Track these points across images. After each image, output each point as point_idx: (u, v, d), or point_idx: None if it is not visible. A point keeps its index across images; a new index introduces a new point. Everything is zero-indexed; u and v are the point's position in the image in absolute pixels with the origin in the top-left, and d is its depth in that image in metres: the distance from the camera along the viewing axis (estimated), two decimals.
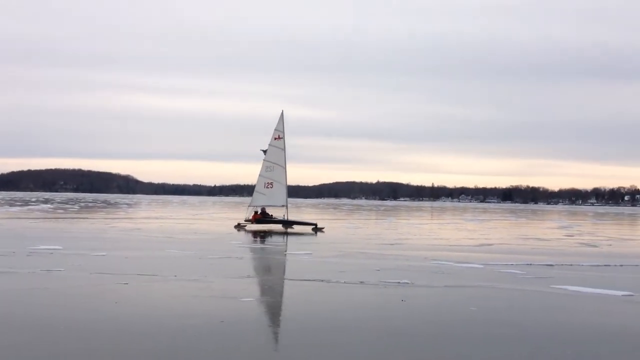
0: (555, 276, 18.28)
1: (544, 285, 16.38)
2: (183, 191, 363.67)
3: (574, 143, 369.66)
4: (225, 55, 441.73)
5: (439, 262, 21.58)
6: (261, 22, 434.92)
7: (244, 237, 33.67)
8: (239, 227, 42.38)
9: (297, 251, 25.17)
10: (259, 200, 44.68)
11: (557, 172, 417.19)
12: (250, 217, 43.34)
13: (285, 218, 43.17)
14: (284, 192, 44.14)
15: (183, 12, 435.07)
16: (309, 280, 16.42)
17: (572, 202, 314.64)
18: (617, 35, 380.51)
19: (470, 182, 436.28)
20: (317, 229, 41.06)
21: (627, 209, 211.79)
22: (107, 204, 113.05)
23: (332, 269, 19.03)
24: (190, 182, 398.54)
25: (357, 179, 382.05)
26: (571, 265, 21.82)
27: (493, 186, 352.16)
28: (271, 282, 17.38)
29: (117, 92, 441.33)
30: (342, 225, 51.28)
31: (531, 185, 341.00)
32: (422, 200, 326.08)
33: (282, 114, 45.07)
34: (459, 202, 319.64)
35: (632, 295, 14.94)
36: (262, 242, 31.63)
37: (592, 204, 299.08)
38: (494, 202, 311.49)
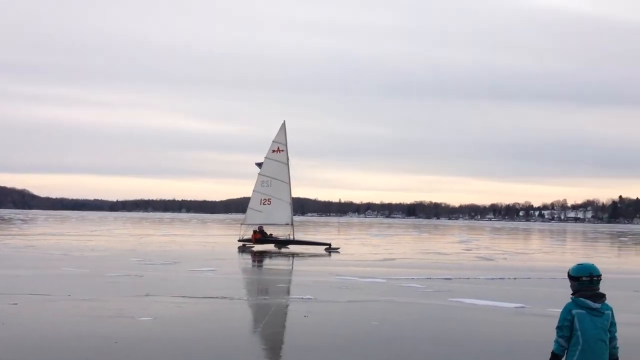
0: (453, 289, 18.84)
1: (442, 298, 16.84)
2: (83, 206, 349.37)
3: (474, 161, 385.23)
4: (120, 66, 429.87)
5: (343, 277, 21.76)
6: (159, 33, 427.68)
7: (146, 255, 32.66)
8: (243, 248, 37.88)
9: (201, 267, 24.67)
10: (255, 217, 40.28)
11: (458, 189, 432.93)
12: (251, 237, 39.00)
13: (291, 238, 39.49)
14: (288, 209, 40.27)
15: (78, 20, 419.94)
16: (210, 297, 16.11)
17: (472, 217, 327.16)
18: (507, 57, 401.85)
19: (377, 198, 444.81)
20: (331, 249, 37.37)
21: (522, 224, 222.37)
22: (0, 220, 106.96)
23: (236, 285, 18.79)
24: (91, 197, 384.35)
25: None
26: (468, 278, 22.57)
27: (398, 202, 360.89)
28: (171, 300, 16.89)
29: (10, 102, 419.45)
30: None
31: (434, 201, 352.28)
32: (329, 215, 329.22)
33: (283, 124, 41.11)
34: (365, 217, 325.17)
35: (523, 307, 15.59)
36: (166, 258, 30.82)
37: (490, 219, 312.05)
38: (399, 217, 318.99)
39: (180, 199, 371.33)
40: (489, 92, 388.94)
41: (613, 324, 5.82)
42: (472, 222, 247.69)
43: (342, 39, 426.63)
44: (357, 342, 11.08)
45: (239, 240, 39.43)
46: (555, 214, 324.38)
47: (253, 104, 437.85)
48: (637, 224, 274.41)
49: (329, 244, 38.65)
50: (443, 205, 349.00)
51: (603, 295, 5.81)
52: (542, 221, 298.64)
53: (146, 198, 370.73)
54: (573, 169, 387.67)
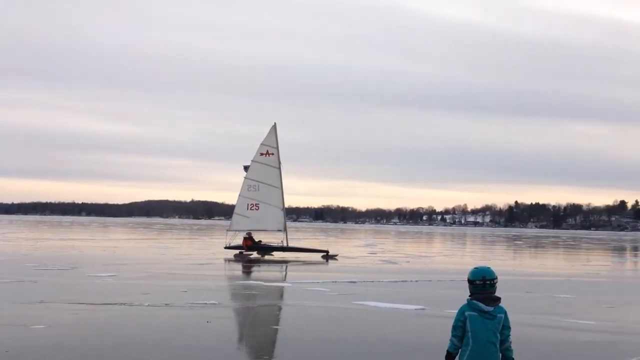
0: (358, 292, 19.11)
1: (347, 301, 17.04)
2: None
3: (380, 166, 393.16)
4: (19, 64, 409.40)
5: (249, 281, 21.61)
6: (67, 33, 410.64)
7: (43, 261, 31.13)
8: (240, 256, 36.04)
9: (100, 273, 23.78)
10: (241, 223, 38.40)
11: (365, 194, 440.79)
12: (241, 243, 37.22)
13: (284, 244, 37.89)
14: (280, 215, 38.76)
15: None
16: (110, 304, 15.55)
17: (378, 222, 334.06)
18: (416, 65, 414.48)
19: (285, 202, 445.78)
20: (328, 257, 36.37)
21: (425, 228, 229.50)
22: None
23: (136, 291, 18.24)
24: None
25: (171, 198, 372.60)
26: (372, 281, 22.97)
27: (306, 206, 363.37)
28: (67, 307, 16.17)
29: None
30: (151, 246, 49.60)
31: (341, 205, 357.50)
32: None
33: (273, 127, 39.47)
34: None
35: (424, 309, 16.03)
36: (63, 263, 29.48)
37: (395, 223, 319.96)
38: (306, 221, 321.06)
39: (80, 202, 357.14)
40: (396, 98, 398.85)
41: (506, 327, 6.04)
42: (378, 226, 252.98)
43: (251, 43, 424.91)
44: (260, 346, 11.01)
45: (226, 248, 37.42)
46: (456, 218, 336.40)
47: (156, 105, 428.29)
48: (531, 227, 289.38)
49: (327, 251, 37.63)
50: (350, 209, 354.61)
51: (497, 299, 6.04)
52: (444, 225, 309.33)
53: (44, 201, 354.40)
54: (474, 175, 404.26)
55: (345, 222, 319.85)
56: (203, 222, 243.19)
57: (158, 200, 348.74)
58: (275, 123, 39.75)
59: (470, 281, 6.07)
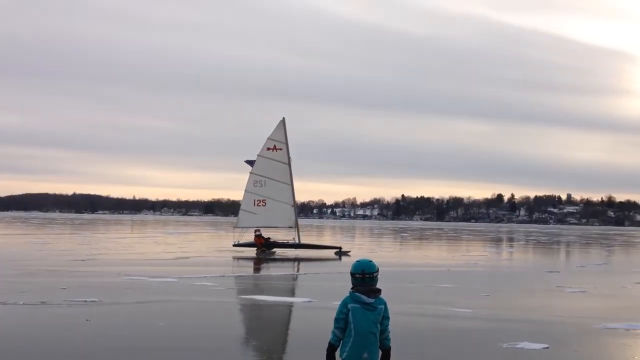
0: (247, 287, 19.03)
1: (234, 296, 16.90)
2: None
3: None
4: None
5: (132, 277, 20.91)
6: None
7: None
8: (262, 254, 35.26)
9: None
10: (249, 220, 37.56)
11: None
12: (254, 241, 36.54)
13: (296, 241, 37.12)
14: (290, 211, 37.60)
15: None
16: None
17: None
18: (304, 60, 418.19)
19: (173, 195, 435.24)
20: (341, 253, 36.05)
21: (316, 221, 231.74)
22: None
23: (11, 288, 17.17)
24: None
25: (51, 191, 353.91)
26: (261, 275, 22.94)
27: (196, 199, 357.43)
28: None
29: None
30: (29, 241, 46.93)
31: (232, 198, 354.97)
32: (122, 213, 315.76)
33: (282, 121, 38.23)
34: (162, 215, 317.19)
35: (311, 301, 16.16)
36: None
37: None
38: (196, 215, 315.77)
39: None
40: (287, 92, 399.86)
41: (386, 318, 6.16)
42: None
43: (149, 33, 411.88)
44: (142, 345, 10.67)
45: (235, 245, 36.44)
46: (345, 211, 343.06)
47: (36, 94, 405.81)
48: (417, 220, 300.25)
49: (340, 247, 37.21)
50: (240, 202, 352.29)
51: (378, 291, 6.14)
52: (334, 218, 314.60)
53: None
54: (363, 169, 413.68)
55: (235, 216, 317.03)
56: (86, 216, 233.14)
57: (37, 194, 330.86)
58: (283, 118, 38.55)
59: (351, 274, 6.16)
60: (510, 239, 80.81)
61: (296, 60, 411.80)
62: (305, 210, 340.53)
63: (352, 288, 6.15)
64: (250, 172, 37.85)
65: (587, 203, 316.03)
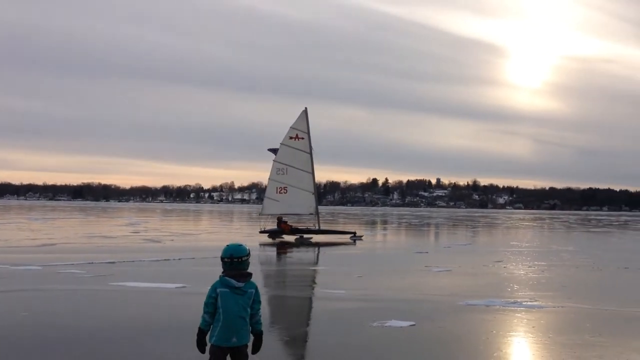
0: (116, 273, 18.32)
1: (103, 283, 16.24)
2: None
3: (145, 143, 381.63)
4: None
5: None
6: None
7: None
8: (301, 238, 36.87)
9: None
10: (272, 207, 38.73)
11: (129, 171, 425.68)
12: (281, 227, 37.68)
13: (317, 227, 38.48)
14: (311, 199, 38.80)
15: None
16: None
17: (143, 200, 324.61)
18: (175, 41, 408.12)
19: (39, 179, 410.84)
20: (355, 237, 38.23)
21: (192, 206, 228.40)
22: None
23: None
24: None
25: None
26: (133, 261, 22.21)
27: (64, 183, 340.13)
28: None
29: None
30: None
31: (103, 183, 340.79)
32: None
33: (304, 111, 39.19)
34: (26, 200, 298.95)
35: (184, 286, 15.87)
36: None
37: (162, 201, 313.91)
38: (64, 200, 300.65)
39: None
40: (159, 74, 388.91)
41: (256, 302, 6.13)
42: (143, 205, 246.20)
43: (5, 8, 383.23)
44: (4, 335, 10.00)
45: (261, 232, 37.58)
46: (223, 195, 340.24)
47: None
48: None
49: (354, 232, 39.50)
50: (113, 187, 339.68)
51: (248, 275, 6.11)
52: (212, 203, 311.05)
53: None
54: (240, 153, 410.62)
55: (107, 201, 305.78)
56: None
57: None
58: (305, 108, 39.32)
59: (221, 259, 6.10)
60: (384, 222, 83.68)
61: (168, 40, 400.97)
62: (182, 194, 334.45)
63: (222, 272, 6.08)
64: (274, 160, 38.95)
65: (455, 187, 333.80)
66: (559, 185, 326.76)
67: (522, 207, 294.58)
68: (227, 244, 6.25)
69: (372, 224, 76.25)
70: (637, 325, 11.94)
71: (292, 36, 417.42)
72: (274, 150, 39.18)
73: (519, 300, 14.66)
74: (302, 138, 39.21)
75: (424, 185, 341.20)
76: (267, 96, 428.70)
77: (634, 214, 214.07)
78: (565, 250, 34.12)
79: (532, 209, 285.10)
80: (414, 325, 11.39)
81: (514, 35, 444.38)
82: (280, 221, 38.28)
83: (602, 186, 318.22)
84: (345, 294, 15.32)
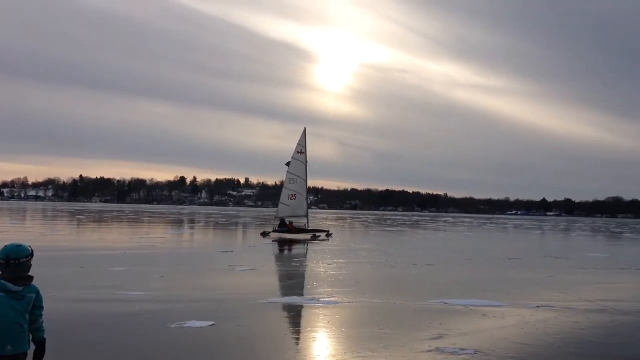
0: None
1: None
2: None
3: None
4: None
5: None
6: None
7: None
8: (315, 238, 43.70)
9: None
10: (285, 211, 47.04)
11: None
12: (288, 227, 45.92)
13: (306, 227, 46.97)
14: (305, 202, 47.68)
15: None
16: None
17: None
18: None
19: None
20: (328, 235, 45.83)
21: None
22: None
23: None
24: None
25: None
26: None
27: None
28: None
29: None
30: None
31: None
32: None
33: (305, 130, 48.26)
34: None
35: None
36: None
37: None
38: None
39: None
40: None
41: (37, 307, 5.64)
42: None
43: None
44: None
45: (274, 232, 45.55)
46: (15, 192, 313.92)
47: None
48: (96, 202, 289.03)
49: (328, 231, 47.95)
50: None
51: (29, 278, 5.61)
52: (2, 199, 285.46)
53: None
54: (33, 147, 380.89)
55: None
56: None
57: None
58: (305, 128, 48.61)
59: None
60: (191, 221, 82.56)
61: None
62: None
63: None
64: (288, 172, 47.67)
65: (263, 187, 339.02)
66: (360, 187, 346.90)
67: (327, 207, 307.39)
68: (6, 244, 5.72)
69: (179, 223, 74.86)
70: (421, 317, 12.95)
71: (95, 27, 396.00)
72: (288, 164, 47.88)
73: (317, 296, 15.22)
74: (302, 152, 47.93)
75: (232, 184, 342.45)
76: (67, 87, 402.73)
77: (424, 214, 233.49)
78: (363, 248, 36.19)
79: (336, 209, 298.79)
80: (213, 325, 11.33)
81: (322, 41, 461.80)
82: (283, 222, 46.31)
83: (398, 188, 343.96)
84: (143, 295, 14.82)
